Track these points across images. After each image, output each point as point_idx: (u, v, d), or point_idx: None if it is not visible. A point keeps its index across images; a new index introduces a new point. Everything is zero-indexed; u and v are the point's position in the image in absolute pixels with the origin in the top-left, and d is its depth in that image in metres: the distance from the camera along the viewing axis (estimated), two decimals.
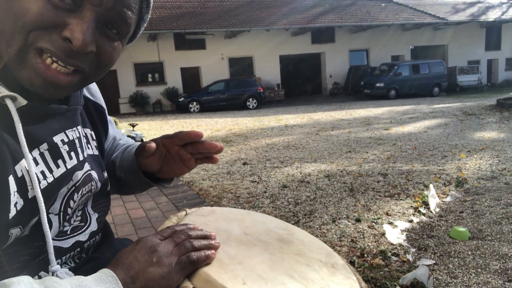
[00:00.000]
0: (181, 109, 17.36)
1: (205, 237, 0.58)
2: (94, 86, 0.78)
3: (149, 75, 20.08)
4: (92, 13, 0.51)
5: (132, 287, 0.49)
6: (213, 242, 0.57)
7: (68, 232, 0.62)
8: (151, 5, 0.60)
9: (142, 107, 18.79)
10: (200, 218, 0.67)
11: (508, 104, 10.62)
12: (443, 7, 24.61)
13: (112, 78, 18.53)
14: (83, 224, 0.66)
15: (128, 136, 7.26)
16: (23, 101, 0.52)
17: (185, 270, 0.52)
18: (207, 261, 0.53)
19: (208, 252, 0.54)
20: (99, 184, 0.69)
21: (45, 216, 0.53)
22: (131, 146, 0.85)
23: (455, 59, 24.45)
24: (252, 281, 0.51)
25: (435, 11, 23.34)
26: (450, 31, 24.17)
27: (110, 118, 0.90)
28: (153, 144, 0.70)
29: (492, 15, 23.77)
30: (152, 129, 10.89)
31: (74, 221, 0.64)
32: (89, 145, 0.70)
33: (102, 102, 0.79)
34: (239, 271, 0.52)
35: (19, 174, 0.52)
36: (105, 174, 0.73)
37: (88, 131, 0.71)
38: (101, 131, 0.77)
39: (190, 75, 20.40)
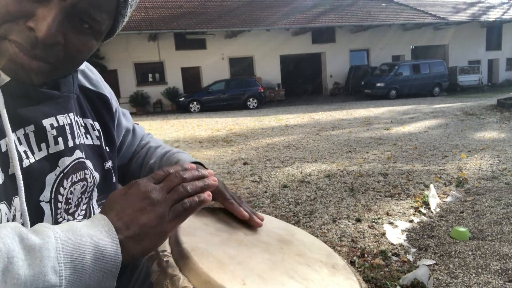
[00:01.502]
0: (182, 109, 17.36)
1: (201, 177, 0.56)
2: (94, 76, 0.77)
3: (150, 75, 20.08)
4: (59, 5, 0.51)
5: (126, 233, 0.48)
6: (208, 181, 0.55)
7: None
8: (130, 1, 0.58)
9: (143, 107, 18.79)
10: (200, 218, 0.67)
11: (508, 104, 10.61)
12: (443, 7, 24.58)
13: (112, 78, 18.52)
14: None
15: None
16: (6, 77, 0.53)
17: (179, 218, 0.51)
18: (202, 205, 0.52)
19: (202, 196, 0.53)
20: (96, 174, 0.68)
21: (23, 191, 0.53)
22: (170, 154, 0.85)
23: (455, 59, 24.43)
24: (252, 281, 0.50)
25: (436, 11, 23.33)
26: (450, 31, 24.15)
27: (124, 111, 0.89)
28: (209, 199, 0.65)
29: (492, 15, 23.74)
30: (152, 129, 10.89)
31: (78, 215, 0.64)
32: (88, 135, 0.69)
33: (105, 91, 0.78)
34: (238, 271, 0.52)
35: (3, 149, 0.53)
36: (107, 165, 0.72)
37: (89, 121, 0.70)
38: (107, 120, 0.76)
39: (191, 75, 20.40)
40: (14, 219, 0.53)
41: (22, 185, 0.52)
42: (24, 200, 0.53)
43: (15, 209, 0.53)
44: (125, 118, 0.87)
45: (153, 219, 0.49)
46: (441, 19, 22.14)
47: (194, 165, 0.57)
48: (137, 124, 1.01)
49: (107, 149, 0.74)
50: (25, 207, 0.53)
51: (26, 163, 0.55)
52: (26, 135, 0.56)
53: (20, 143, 0.55)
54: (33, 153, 0.57)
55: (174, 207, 0.51)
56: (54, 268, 0.42)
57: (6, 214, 0.52)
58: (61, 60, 0.55)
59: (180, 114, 16.12)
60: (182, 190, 0.52)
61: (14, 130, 0.54)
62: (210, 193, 0.54)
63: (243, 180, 4.50)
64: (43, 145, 0.58)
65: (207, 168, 0.78)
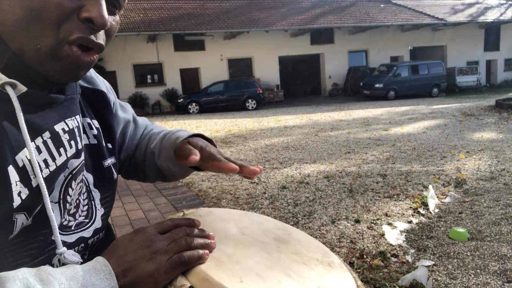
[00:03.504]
0: (181, 110, 17.38)
1: (204, 236, 0.58)
2: (88, 73, 0.77)
3: (148, 76, 20.09)
4: None
5: (123, 281, 0.50)
6: (209, 242, 0.57)
7: (73, 228, 0.62)
8: None
9: (142, 108, 18.79)
10: (197, 219, 0.67)
11: (507, 105, 10.64)
12: (441, 8, 24.65)
13: (111, 79, 18.50)
14: (87, 220, 0.66)
15: None
16: (23, 88, 0.53)
17: (175, 270, 0.53)
18: (200, 261, 0.53)
19: (202, 251, 0.54)
20: (88, 175, 0.68)
21: (49, 202, 0.54)
22: (170, 134, 0.84)
23: (454, 59, 24.49)
24: (250, 279, 0.51)
25: (434, 12, 23.39)
26: (449, 32, 24.22)
27: (123, 103, 0.89)
28: (197, 158, 0.67)
29: (490, 16, 23.82)
30: None
31: (80, 216, 0.64)
32: (84, 135, 0.69)
33: (100, 86, 0.78)
34: (236, 269, 0.52)
35: (20, 164, 0.52)
36: (106, 163, 0.72)
37: (87, 120, 0.70)
38: (107, 116, 0.76)
39: (190, 76, 20.41)
40: (27, 223, 0.53)
41: (46, 193, 0.53)
42: (49, 206, 0.54)
43: (32, 217, 0.54)
44: (123, 110, 0.86)
45: (149, 269, 0.51)
46: (439, 20, 22.21)
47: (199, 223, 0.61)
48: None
49: (109, 146, 0.74)
50: (52, 214, 0.54)
51: (46, 172, 0.55)
52: (45, 142, 0.57)
53: (40, 152, 0.55)
54: (54, 160, 0.57)
55: (172, 259, 0.53)
56: None
57: (23, 223, 0.52)
58: (105, 43, 0.59)
59: (179, 115, 16.12)
60: (184, 243, 0.55)
61: (33, 139, 0.55)
62: (209, 253, 0.55)
63: (242, 181, 4.50)
64: (61, 149, 0.59)
65: (210, 139, 0.80)
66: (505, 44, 25.86)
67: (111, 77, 18.49)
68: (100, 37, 0.56)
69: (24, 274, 0.44)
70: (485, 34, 25.36)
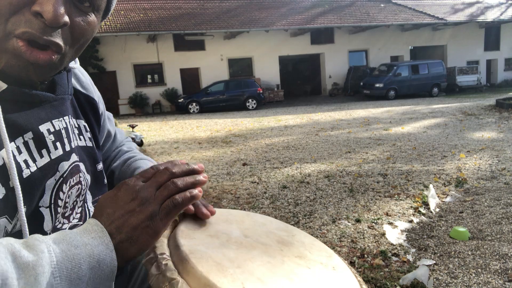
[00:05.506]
0: (181, 110, 17.37)
1: (191, 171, 0.55)
2: (85, 79, 0.77)
3: (149, 76, 20.08)
4: None
5: (119, 238, 0.48)
6: (199, 177, 0.55)
7: None
8: None
9: (142, 108, 18.78)
10: (199, 220, 0.67)
11: (507, 104, 10.63)
12: (442, 7, 24.63)
13: (111, 79, 18.50)
14: (81, 223, 0.65)
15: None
16: (3, 85, 0.51)
17: (170, 215, 0.51)
18: (192, 201, 0.52)
19: (194, 191, 0.52)
20: (87, 177, 0.67)
21: (22, 205, 0.51)
22: (132, 159, 0.84)
23: (454, 59, 24.47)
24: (252, 285, 0.50)
25: (434, 11, 23.37)
26: (449, 32, 24.20)
27: (109, 115, 0.89)
28: None
29: (491, 15, 23.79)
30: (151, 130, 10.89)
31: (73, 218, 0.64)
32: (81, 137, 0.68)
33: (93, 94, 0.77)
34: (238, 274, 0.52)
35: (0, 162, 0.51)
36: (99, 167, 0.72)
37: (82, 122, 0.70)
38: (93, 124, 0.76)
39: (190, 76, 20.41)
40: (14, 229, 0.52)
41: (21, 198, 0.51)
42: (23, 212, 0.52)
43: (17, 220, 0.52)
44: (109, 122, 0.87)
45: (144, 220, 0.49)
46: (439, 20, 22.18)
47: (184, 161, 0.57)
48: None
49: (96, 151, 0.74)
50: (25, 219, 0.52)
51: (26, 173, 0.54)
52: (25, 143, 0.55)
53: (20, 152, 0.54)
54: (34, 161, 0.56)
55: (164, 204, 0.50)
56: (50, 283, 0.41)
57: (6, 227, 0.51)
58: (69, 44, 0.54)
59: (179, 115, 16.12)
60: (172, 186, 0.52)
61: (13, 139, 0.53)
62: (201, 189, 0.53)
63: (243, 181, 4.50)
64: (44, 151, 0.57)
65: None
66: (505, 43, 25.83)
67: (111, 77, 18.48)
68: (57, 35, 0.51)
69: (9, 240, 0.42)
70: (485, 34, 25.33)
